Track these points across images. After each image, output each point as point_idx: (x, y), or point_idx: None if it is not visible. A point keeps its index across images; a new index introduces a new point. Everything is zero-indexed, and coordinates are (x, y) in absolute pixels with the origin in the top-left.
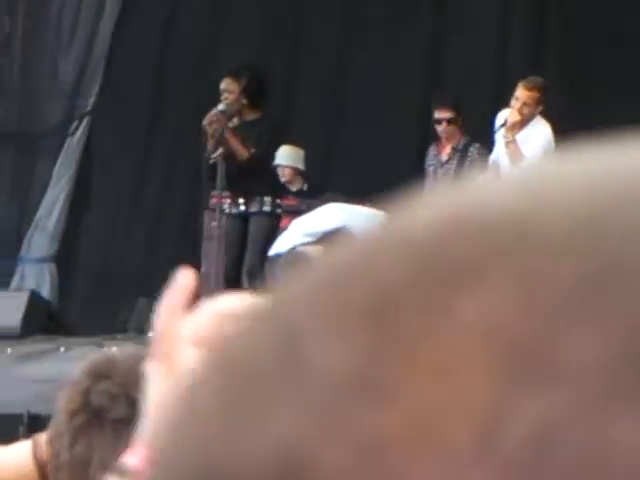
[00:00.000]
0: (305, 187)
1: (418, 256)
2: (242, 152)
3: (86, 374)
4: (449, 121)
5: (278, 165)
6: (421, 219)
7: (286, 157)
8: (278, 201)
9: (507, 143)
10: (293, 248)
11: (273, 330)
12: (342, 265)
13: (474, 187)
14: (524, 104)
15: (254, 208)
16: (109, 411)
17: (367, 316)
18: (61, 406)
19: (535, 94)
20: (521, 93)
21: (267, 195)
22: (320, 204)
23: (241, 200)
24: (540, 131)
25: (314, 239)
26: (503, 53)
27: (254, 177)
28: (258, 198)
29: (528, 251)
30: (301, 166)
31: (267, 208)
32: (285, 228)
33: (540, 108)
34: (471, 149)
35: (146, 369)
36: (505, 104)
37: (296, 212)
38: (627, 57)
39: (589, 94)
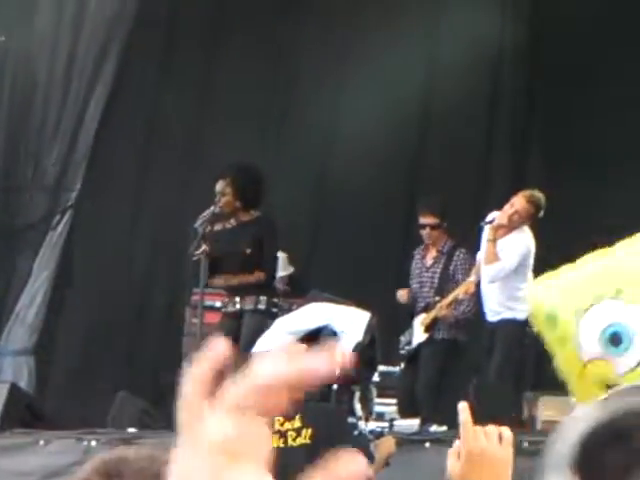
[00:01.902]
0: (288, 288)
1: None
2: (260, 279)
3: (96, 472)
4: (433, 227)
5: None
6: None
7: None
8: (274, 300)
9: (487, 240)
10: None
11: None
12: None
13: None
14: (516, 212)
15: (249, 306)
16: None
17: None
18: None
19: (531, 209)
20: (519, 201)
21: (262, 294)
22: (302, 303)
23: (237, 299)
24: (521, 238)
25: (297, 337)
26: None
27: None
28: (253, 297)
29: None
30: (288, 272)
31: (262, 306)
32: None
33: (529, 222)
34: (457, 253)
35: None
36: (489, 207)
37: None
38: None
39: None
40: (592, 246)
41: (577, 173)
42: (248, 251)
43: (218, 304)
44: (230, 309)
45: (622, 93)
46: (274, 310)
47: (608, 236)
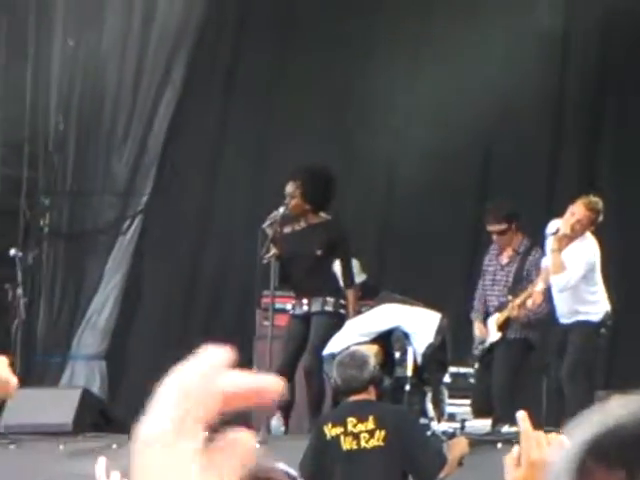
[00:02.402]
0: (361, 293)
1: None
2: (355, 295)
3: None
4: (500, 233)
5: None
6: None
7: None
8: (342, 301)
9: (552, 251)
10: (347, 348)
11: None
12: None
13: None
14: (578, 221)
15: (316, 308)
16: None
17: None
18: None
19: (592, 215)
20: (579, 210)
21: (330, 296)
22: (374, 304)
23: (305, 301)
24: (586, 246)
25: (368, 339)
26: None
27: (319, 279)
28: (321, 299)
29: None
30: (362, 279)
31: (329, 308)
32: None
33: (592, 228)
34: (533, 252)
35: None
36: (554, 214)
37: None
38: None
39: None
40: None
41: None
42: (319, 253)
43: (288, 306)
44: (298, 311)
45: None
46: (342, 312)
47: None
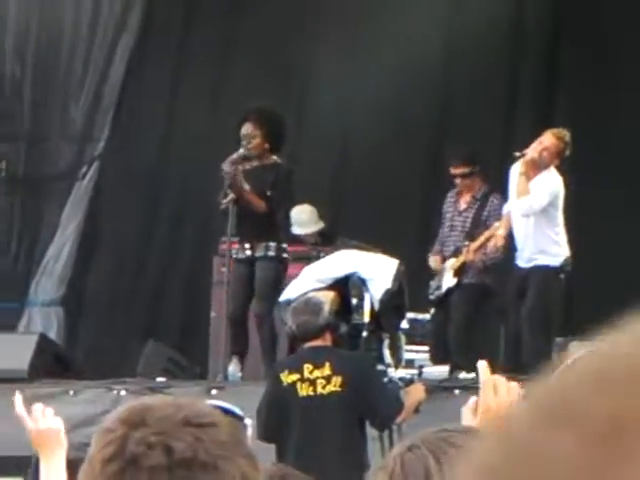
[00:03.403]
0: (319, 240)
1: None
2: (259, 204)
3: (121, 421)
4: (464, 175)
5: (299, 235)
6: None
7: (304, 224)
8: (284, 245)
9: (519, 174)
10: (304, 294)
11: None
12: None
13: None
14: (545, 148)
15: (260, 253)
16: (145, 459)
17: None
18: (93, 453)
19: (560, 144)
20: (547, 138)
21: (272, 240)
22: (331, 251)
23: (247, 245)
24: (552, 178)
25: (325, 285)
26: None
27: (262, 223)
28: (264, 243)
29: None
30: (319, 228)
31: (272, 253)
32: (295, 275)
33: (557, 161)
34: (491, 198)
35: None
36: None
37: (307, 259)
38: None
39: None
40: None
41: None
42: (269, 193)
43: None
44: (241, 255)
45: None
46: (284, 256)
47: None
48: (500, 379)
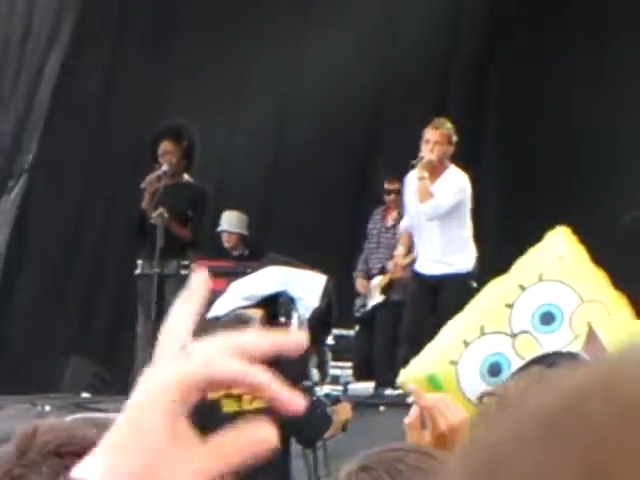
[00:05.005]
0: (246, 252)
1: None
2: (184, 234)
3: (14, 444)
4: (398, 192)
5: (224, 231)
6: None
7: (233, 223)
8: (184, 263)
9: (419, 179)
10: (232, 311)
11: None
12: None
13: None
14: (435, 143)
15: (171, 270)
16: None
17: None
18: None
19: (444, 131)
20: (430, 134)
21: (183, 258)
22: (258, 266)
23: (154, 262)
24: (453, 176)
25: (253, 303)
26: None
27: (175, 239)
28: (175, 261)
29: None
30: (245, 232)
31: (184, 271)
32: (221, 291)
33: (451, 148)
34: None
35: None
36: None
37: (232, 274)
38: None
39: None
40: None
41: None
42: (190, 214)
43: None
44: (147, 271)
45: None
46: (183, 273)
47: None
48: (443, 400)
